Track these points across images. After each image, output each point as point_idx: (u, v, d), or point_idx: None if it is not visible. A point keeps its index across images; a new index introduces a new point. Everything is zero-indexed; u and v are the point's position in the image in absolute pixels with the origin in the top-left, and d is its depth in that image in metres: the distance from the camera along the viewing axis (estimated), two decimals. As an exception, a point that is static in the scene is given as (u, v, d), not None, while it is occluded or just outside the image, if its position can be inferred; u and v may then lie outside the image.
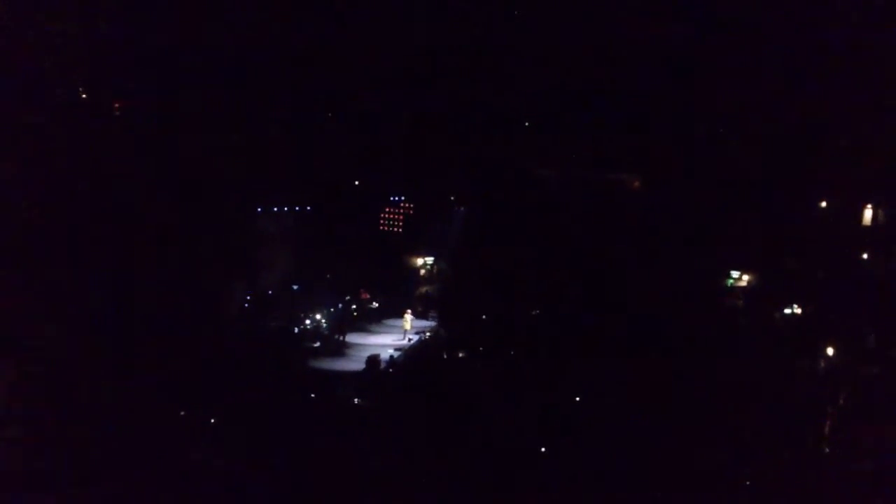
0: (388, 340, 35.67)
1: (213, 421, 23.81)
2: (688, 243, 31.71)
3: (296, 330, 34.70)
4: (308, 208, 39.00)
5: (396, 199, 42.64)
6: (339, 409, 26.53)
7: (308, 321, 35.79)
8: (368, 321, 38.89)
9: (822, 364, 28.76)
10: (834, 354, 28.60)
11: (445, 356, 31.85)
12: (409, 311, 37.21)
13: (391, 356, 32.19)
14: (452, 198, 41.23)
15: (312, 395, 27.20)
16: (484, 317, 33.40)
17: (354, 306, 39.41)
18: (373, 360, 31.02)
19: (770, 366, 27.41)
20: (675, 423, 23.89)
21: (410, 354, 33.25)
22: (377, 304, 40.48)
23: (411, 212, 42.68)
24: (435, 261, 42.17)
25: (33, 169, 25.46)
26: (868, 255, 31.90)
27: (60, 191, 25.99)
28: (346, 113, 36.28)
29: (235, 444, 22.34)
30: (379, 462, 22.05)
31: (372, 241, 40.52)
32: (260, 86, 32.52)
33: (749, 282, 34.50)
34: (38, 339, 22.53)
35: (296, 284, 37.45)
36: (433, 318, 38.05)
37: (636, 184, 35.63)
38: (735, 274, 34.55)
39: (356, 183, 40.71)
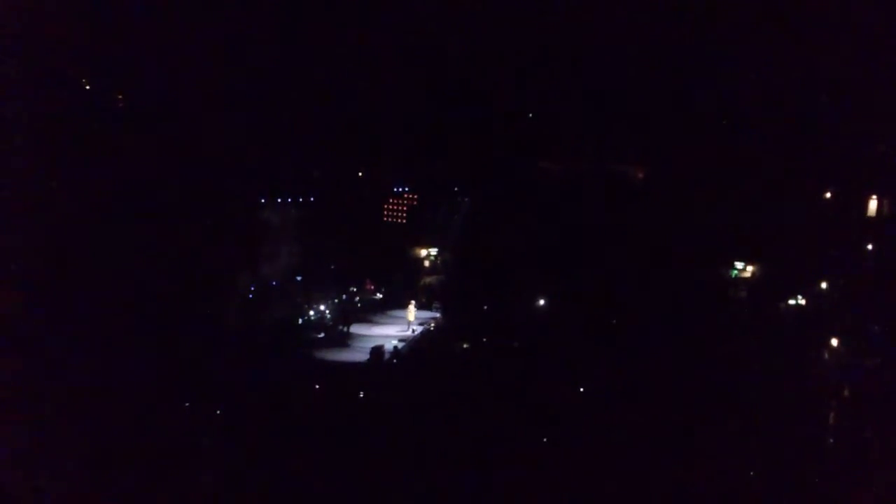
0: (392, 331, 35.69)
1: (217, 412, 23.87)
2: (692, 234, 31.69)
3: (300, 321, 34.74)
4: (312, 199, 39.03)
5: (400, 190, 42.63)
6: (343, 400, 26.56)
7: (312, 312, 35.84)
8: (372, 312, 38.91)
9: (826, 355, 28.78)
10: (838, 345, 28.62)
11: (449, 347, 31.90)
12: (412, 302, 37.21)
13: (395, 347, 32.22)
14: (456, 189, 41.21)
15: (317, 386, 27.26)
16: (487, 308, 33.44)
17: (358, 297, 39.46)
18: (377, 351, 31.06)
19: (774, 356, 27.42)
20: (679, 414, 23.91)
21: (414, 345, 33.28)
22: (381, 295, 40.52)
23: (415, 203, 42.67)
24: (439, 252, 42.16)
25: (37, 159, 25.48)
26: (872, 247, 31.88)
27: (64, 181, 26.03)
28: (349, 104, 36.23)
29: (240, 435, 22.41)
30: (383, 452, 22.10)
31: (376, 232, 40.54)
32: (264, 77, 32.49)
33: (753, 273, 34.49)
34: (42, 330, 22.59)
35: (300, 275, 37.49)
36: (437, 309, 38.08)
37: (640, 175, 35.61)
38: (739, 265, 34.55)
39: (360, 174, 40.73)
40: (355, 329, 35.59)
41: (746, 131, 32.63)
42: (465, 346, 31.41)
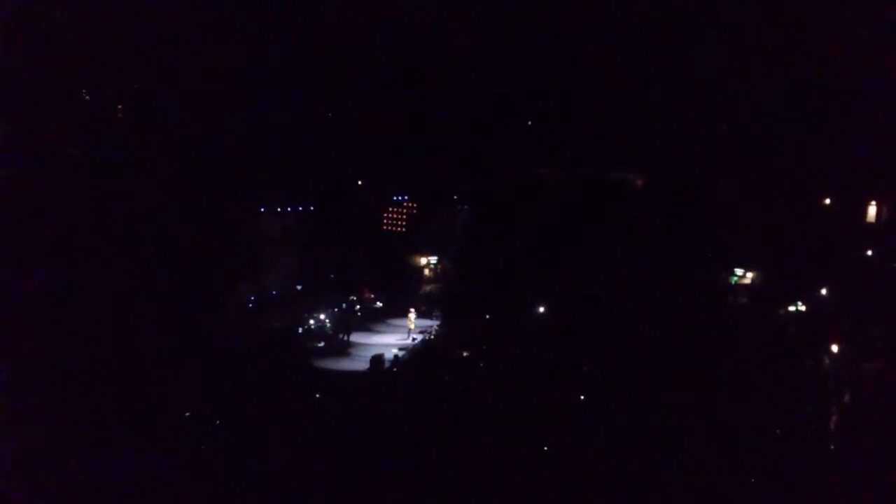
0: (391, 340, 35.68)
1: (217, 422, 23.82)
2: (691, 241, 31.70)
3: (300, 330, 34.73)
4: (311, 208, 39.10)
5: (399, 198, 42.69)
6: (343, 409, 26.51)
7: (312, 321, 35.82)
8: (372, 321, 38.90)
9: (826, 361, 28.75)
10: (838, 351, 28.59)
11: (449, 355, 31.85)
12: (412, 310, 37.20)
13: (395, 356, 32.20)
14: (455, 197, 41.26)
15: (317, 396, 27.22)
16: (487, 316, 33.41)
17: (358, 306, 39.45)
18: (377, 360, 31.04)
19: (774, 363, 27.38)
20: (680, 420, 23.87)
21: (414, 354, 33.25)
22: (381, 304, 40.51)
23: (414, 211, 42.75)
24: (438, 260, 42.21)
25: (36, 171, 25.53)
26: (872, 252, 31.91)
27: (64, 192, 26.05)
28: (348, 113, 36.32)
29: (240, 444, 22.37)
30: (383, 461, 22.06)
31: (375, 240, 40.58)
32: (262, 87, 32.58)
33: (753, 279, 34.50)
34: (40, 341, 22.57)
35: (299, 285, 37.51)
36: (437, 318, 38.04)
37: (639, 182, 35.65)
38: (739, 271, 34.55)
39: (359, 183, 40.80)
40: (355, 338, 35.58)
41: (746, 137, 32.67)
42: (465, 354, 31.35)
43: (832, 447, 24.33)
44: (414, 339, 35.47)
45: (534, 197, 35.74)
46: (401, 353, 32.72)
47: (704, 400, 24.83)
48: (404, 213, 42.81)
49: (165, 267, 27.19)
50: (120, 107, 30.60)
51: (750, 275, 34.59)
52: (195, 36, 30.04)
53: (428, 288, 41.40)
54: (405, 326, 36.71)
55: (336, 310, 37.44)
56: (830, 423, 25.55)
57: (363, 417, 25.68)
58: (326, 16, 33.82)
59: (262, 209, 36.27)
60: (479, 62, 34.64)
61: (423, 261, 42.35)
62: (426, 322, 37.72)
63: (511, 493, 21.00)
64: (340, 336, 35.26)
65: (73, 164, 26.79)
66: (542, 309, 33.31)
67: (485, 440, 23.07)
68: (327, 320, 36.34)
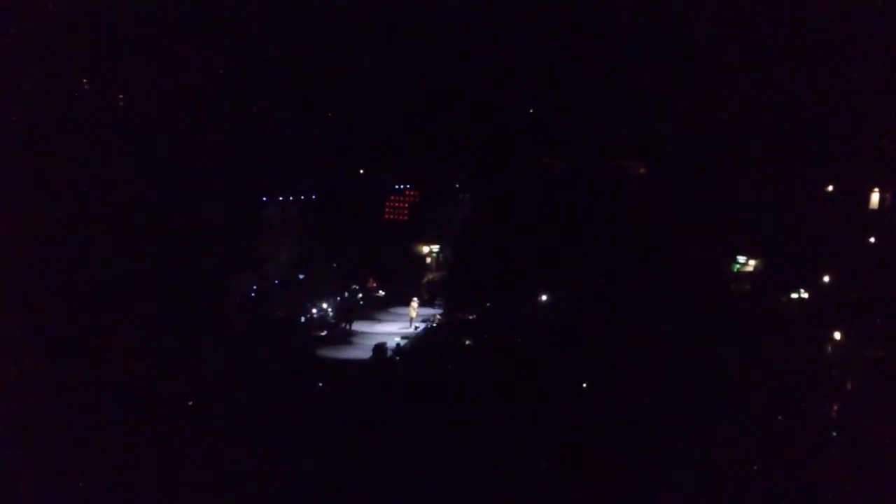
0: (394, 328, 35.75)
1: (221, 411, 23.88)
2: (694, 229, 31.65)
3: (302, 319, 34.79)
4: (313, 197, 39.09)
5: (401, 187, 42.65)
6: (346, 397, 26.58)
7: (314, 310, 35.89)
8: (374, 309, 38.97)
9: (829, 348, 28.77)
10: (840, 338, 28.60)
11: (452, 344, 31.90)
12: (415, 298, 37.27)
13: (398, 344, 32.29)
14: (458, 185, 41.23)
15: (320, 384, 27.29)
16: (490, 304, 33.45)
17: (360, 295, 39.51)
18: (379, 349, 31.13)
19: (776, 350, 27.39)
20: (682, 410, 23.90)
21: (417, 342, 33.31)
22: (383, 293, 40.57)
23: (417, 200, 42.71)
24: (441, 249, 42.20)
25: (36, 160, 25.53)
26: (874, 239, 31.87)
27: (64, 182, 26.06)
28: (350, 101, 36.23)
29: (243, 434, 22.44)
30: (386, 449, 22.12)
31: (377, 229, 40.58)
32: (264, 76, 32.50)
33: (755, 266, 34.46)
34: (42, 331, 22.63)
35: (302, 274, 37.55)
36: (439, 306, 38.09)
37: (641, 170, 35.56)
38: (741, 259, 34.52)
39: (361, 171, 40.76)
40: (358, 326, 35.64)
41: (748, 124, 32.57)
42: (467, 342, 31.40)
43: (834, 434, 24.37)
44: (416, 328, 35.54)
45: (536, 185, 35.71)
46: (403, 342, 32.80)
47: (706, 387, 24.87)
48: (406, 202, 42.76)
49: (167, 256, 27.20)
50: (121, 96, 30.53)
51: (752, 262, 34.54)
52: (197, 25, 29.96)
53: (430, 276, 41.43)
54: (408, 315, 36.77)
55: (338, 298, 37.51)
56: (832, 411, 25.59)
57: (366, 406, 25.76)
58: (328, 4, 33.71)
59: (264, 198, 36.25)
60: (480, 50, 34.50)
61: (426, 249, 42.35)
62: (429, 310, 37.78)
63: (511, 484, 21.08)
64: (343, 325, 35.33)
65: (73, 153, 26.74)
66: (544, 297, 33.33)
67: (487, 429, 23.12)
68: (330, 309, 36.40)
